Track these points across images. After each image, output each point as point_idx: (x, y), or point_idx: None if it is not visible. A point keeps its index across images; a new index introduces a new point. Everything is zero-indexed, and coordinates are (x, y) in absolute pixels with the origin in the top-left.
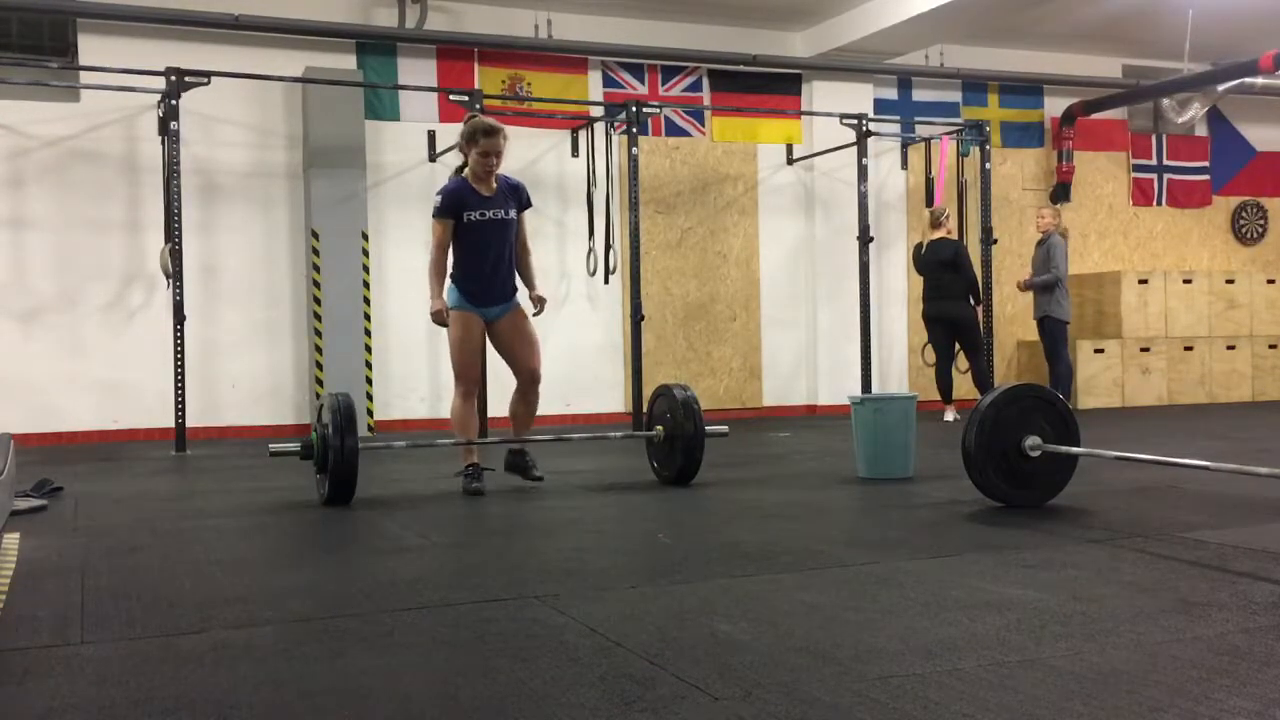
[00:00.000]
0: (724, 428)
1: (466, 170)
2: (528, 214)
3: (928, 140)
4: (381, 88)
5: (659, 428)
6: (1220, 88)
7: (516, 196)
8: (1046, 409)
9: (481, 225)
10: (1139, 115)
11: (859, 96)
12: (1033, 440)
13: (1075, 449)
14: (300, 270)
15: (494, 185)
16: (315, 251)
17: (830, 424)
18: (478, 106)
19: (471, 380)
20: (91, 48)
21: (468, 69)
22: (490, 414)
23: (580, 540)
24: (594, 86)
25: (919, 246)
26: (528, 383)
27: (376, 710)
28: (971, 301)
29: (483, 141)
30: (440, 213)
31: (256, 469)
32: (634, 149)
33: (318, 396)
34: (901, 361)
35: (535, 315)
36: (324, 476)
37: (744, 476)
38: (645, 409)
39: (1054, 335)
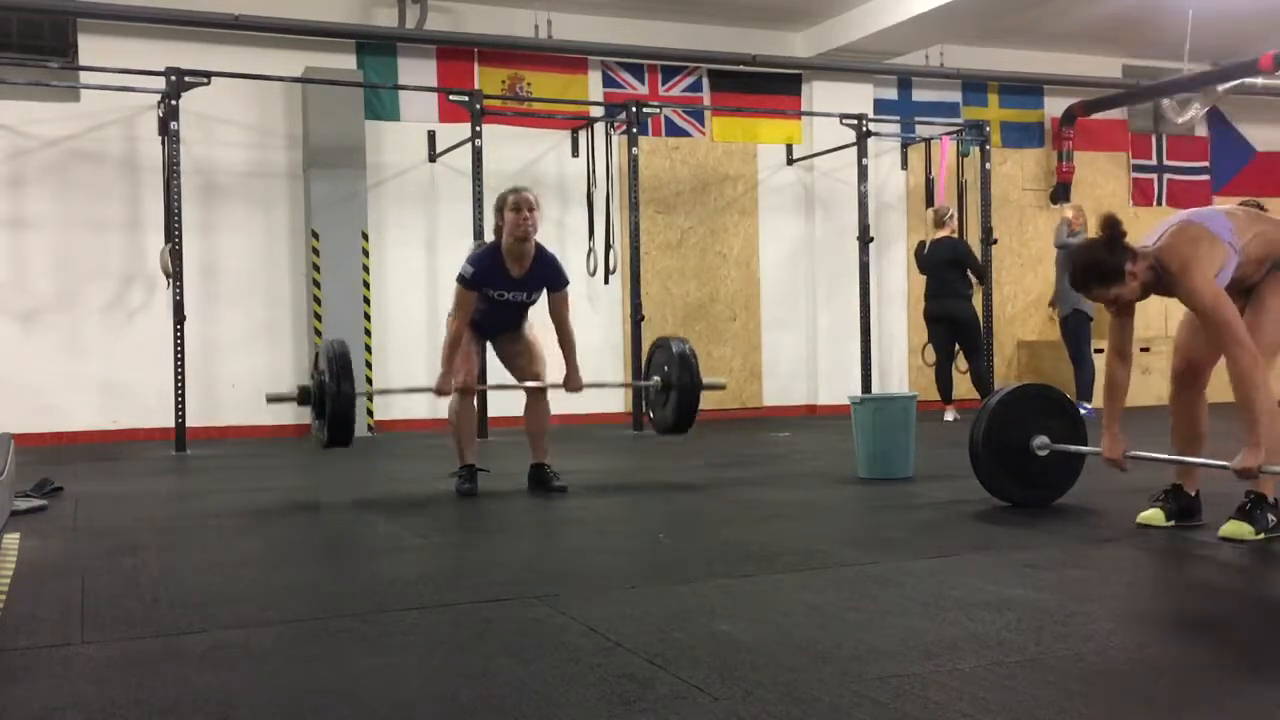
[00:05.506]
0: (722, 380)
1: (503, 242)
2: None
3: (928, 140)
4: (381, 88)
5: (655, 378)
6: (1220, 88)
7: (548, 277)
8: (1054, 408)
9: (501, 303)
10: (1139, 115)
11: (859, 96)
12: (1041, 440)
13: (1084, 448)
14: (300, 270)
15: (526, 265)
16: (315, 251)
17: (830, 424)
18: (478, 106)
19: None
20: (91, 48)
21: (468, 69)
22: (490, 414)
23: (580, 540)
24: (594, 86)
25: (921, 245)
26: (533, 392)
27: (376, 710)
28: (974, 283)
29: (511, 199)
30: (467, 284)
31: (256, 469)
32: (634, 149)
33: None
34: (901, 361)
35: (569, 391)
36: (322, 421)
37: (744, 476)
38: (644, 361)
39: (1079, 332)
